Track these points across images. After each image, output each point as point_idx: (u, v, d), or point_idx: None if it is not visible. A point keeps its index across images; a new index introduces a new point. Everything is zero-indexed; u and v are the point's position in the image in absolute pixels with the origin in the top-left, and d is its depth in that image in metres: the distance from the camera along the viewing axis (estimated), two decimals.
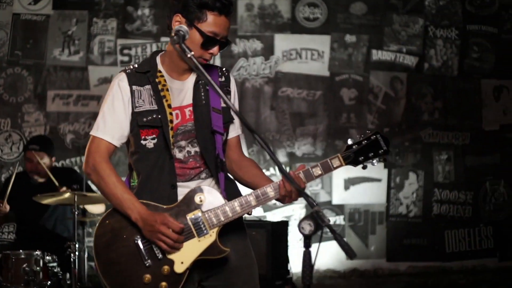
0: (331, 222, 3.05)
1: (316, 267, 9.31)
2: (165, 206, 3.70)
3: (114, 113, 3.77)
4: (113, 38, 8.60)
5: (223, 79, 3.96)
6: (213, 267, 3.79)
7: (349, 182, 8.68)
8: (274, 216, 8.49)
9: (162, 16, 8.61)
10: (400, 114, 8.85)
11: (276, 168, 8.31)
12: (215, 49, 3.70)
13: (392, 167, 8.76)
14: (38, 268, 6.27)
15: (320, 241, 3.20)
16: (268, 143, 3.49)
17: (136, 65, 3.87)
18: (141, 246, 3.68)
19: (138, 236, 3.69)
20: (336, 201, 8.73)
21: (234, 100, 3.99)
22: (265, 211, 8.49)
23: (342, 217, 8.71)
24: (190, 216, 3.66)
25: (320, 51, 8.74)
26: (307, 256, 3.14)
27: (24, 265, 6.26)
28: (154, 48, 8.51)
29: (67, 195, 6.71)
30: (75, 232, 6.70)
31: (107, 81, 8.44)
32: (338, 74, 8.78)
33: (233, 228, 3.80)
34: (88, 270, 7.13)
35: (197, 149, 3.80)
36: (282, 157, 8.67)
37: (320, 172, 3.71)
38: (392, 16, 8.85)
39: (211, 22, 3.65)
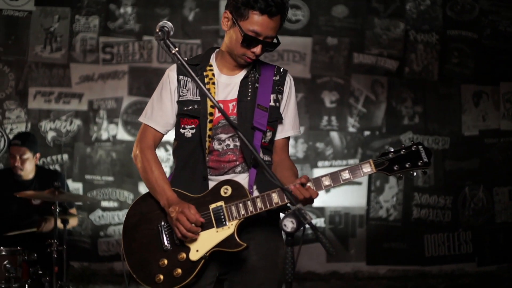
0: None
1: (296, 269, 9.35)
2: (192, 195, 3.82)
3: (161, 101, 3.95)
4: (95, 35, 8.73)
5: (277, 78, 4.00)
6: (232, 262, 3.87)
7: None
8: None
9: (144, 14, 8.83)
10: (380, 118, 8.97)
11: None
12: (257, 49, 3.77)
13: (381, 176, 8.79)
14: (19, 265, 6.23)
15: (302, 238, 3.19)
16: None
17: (189, 58, 3.99)
18: (163, 230, 3.84)
19: (163, 221, 3.84)
20: (316, 203, 8.70)
21: (287, 101, 4.03)
22: None
23: (322, 219, 8.78)
24: (212, 206, 3.77)
25: (302, 53, 8.87)
26: (289, 254, 3.13)
27: (5, 262, 6.23)
28: (136, 47, 8.73)
29: (47, 192, 6.69)
30: (55, 229, 6.66)
31: (88, 78, 8.58)
32: (320, 77, 8.92)
33: (263, 229, 3.87)
34: (68, 269, 7.07)
35: (237, 143, 3.88)
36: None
37: (348, 177, 3.71)
38: (373, 19, 9.04)
39: (252, 21, 3.71)
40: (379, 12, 9.07)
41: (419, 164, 3.64)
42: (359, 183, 8.91)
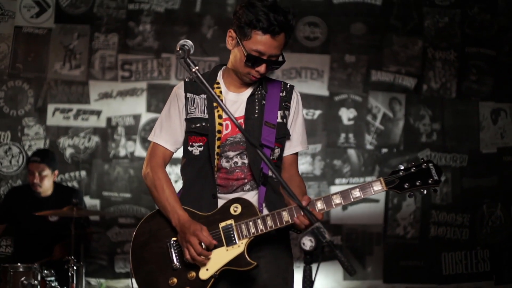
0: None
1: (314, 287, 9.28)
2: (202, 214, 3.88)
3: (170, 119, 4.04)
4: (114, 53, 8.81)
5: (284, 94, 4.07)
6: (242, 281, 3.90)
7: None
8: None
9: (163, 32, 8.94)
10: (398, 135, 8.96)
11: None
12: (261, 68, 3.84)
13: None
14: (36, 281, 6.38)
15: (320, 257, 3.20)
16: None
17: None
18: (172, 249, 3.88)
19: (172, 239, 3.89)
20: (334, 221, 8.82)
21: (294, 116, 4.08)
22: None
23: (339, 237, 8.76)
24: (222, 225, 3.83)
25: (320, 71, 8.91)
26: (307, 272, 3.16)
27: (22, 279, 6.36)
28: (155, 64, 8.80)
29: (65, 209, 6.76)
30: (73, 247, 6.73)
31: (107, 96, 8.66)
32: (337, 94, 8.96)
33: (272, 247, 3.93)
34: (85, 286, 7.12)
35: (245, 161, 3.94)
36: None
37: (358, 195, 3.74)
38: (391, 37, 9.07)
39: (255, 41, 3.80)
40: (397, 30, 9.12)
41: (430, 182, 3.69)
42: (376, 201, 8.94)
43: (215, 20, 8.93)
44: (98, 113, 8.76)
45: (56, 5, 8.82)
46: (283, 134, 4.00)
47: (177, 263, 3.82)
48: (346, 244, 8.92)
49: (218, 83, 4.01)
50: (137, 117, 8.76)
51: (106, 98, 8.77)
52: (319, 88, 9.01)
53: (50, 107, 8.76)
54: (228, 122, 3.93)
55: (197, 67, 3.52)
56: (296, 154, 4.15)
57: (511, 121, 9.25)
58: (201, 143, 3.94)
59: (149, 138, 4.08)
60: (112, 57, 8.84)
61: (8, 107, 8.70)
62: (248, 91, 4.00)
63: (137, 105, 8.79)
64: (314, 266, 3.16)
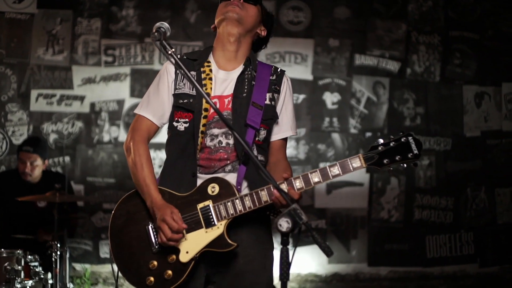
0: (313, 226, 3.08)
1: (297, 271, 9.43)
2: (179, 194, 3.82)
3: (158, 92, 4.00)
4: (97, 38, 8.88)
5: (274, 77, 4.05)
6: (220, 264, 3.87)
7: (331, 186, 8.83)
8: None
9: (146, 16, 9.01)
10: (382, 119, 9.05)
11: None
12: None
13: (374, 172, 8.80)
14: (19, 267, 6.32)
15: (298, 239, 3.19)
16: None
17: (188, 52, 4.17)
18: (151, 232, 3.82)
19: (150, 222, 3.83)
20: (318, 205, 8.88)
21: (284, 101, 4.07)
22: None
23: (324, 221, 8.81)
24: (200, 206, 3.78)
25: (304, 55, 8.94)
26: (284, 253, 3.14)
27: (6, 264, 6.33)
28: (138, 49, 8.92)
29: (48, 194, 6.74)
30: (56, 231, 6.71)
31: (90, 81, 8.72)
32: (321, 78, 9.02)
33: (251, 232, 3.88)
34: (69, 271, 7.12)
35: (230, 141, 3.89)
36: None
37: (337, 172, 3.72)
38: (375, 21, 9.14)
39: None
40: (381, 14, 9.18)
41: (409, 156, 3.62)
42: (360, 184, 9.00)
43: (198, 5, 8.97)
44: (81, 98, 8.79)
45: None
46: (270, 116, 3.96)
47: (156, 246, 3.77)
48: (331, 228, 8.98)
49: (209, 62, 3.99)
50: (120, 102, 8.80)
51: (89, 83, 8.80)
52: (303, 72, 9.07)
53: (33, 93, 8.81)
54: (216, 99, 3.89)
55: (173, 49, 3.51)
56: (285, 139, 4.11)
57: (495, 104, 9.34)
58: (186, 119, 3.89)
59: (135, 111, 4.03)
60: (95, 42, 8.87)
61: None
62: (238, 70, 3.98)
63: (120, 90, 8.85)
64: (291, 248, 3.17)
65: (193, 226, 3.73)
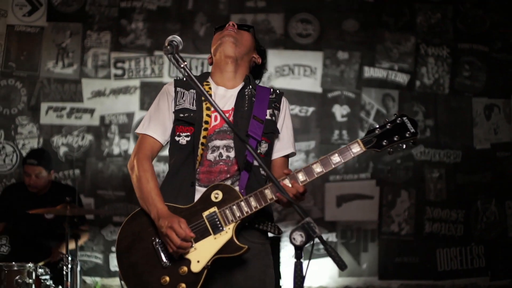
0: (324, 239, 3.07)
1: (308, 284, 9.33)
2: (182, 207, 3.84)
3: (159, 111, 4.08)
4: (106, 51, 8.90)
5: (273, 96, 4.17)
6: (220, 280, 3.86)
7: (342, 199, 8.76)
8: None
9: (155, 29, 9.10)
10: None
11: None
12: (229, 23, 4.28)
13: (384, 185, 8.95)
14: (30, 280, 6.37)
15: (311, 252, 3.25)
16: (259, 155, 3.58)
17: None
18: (159, 247, 3.82)
19: (157, 238, 3.82)
20: (328, 218, 8.85)
21: (284, 119, 4.15)
22: None
23: (334, 234, 8.75)
24: (205, 213, 3.80)
25: (313, 67, 8.94)
26: (298, 267, 3.15)
27: (17, 277, 6.36)
28: (148, 62, 8.97)
29: (59, 207, 6.75)
30: (67, 245, 6.72)
31: (100, 94, 8.74)
32: (331, 91, 8.99)
33: (251, 250, 3.81)
34: (80, 284, 7.11)
35: (231, 154, 3.94)
36: None
37: (338, 160, 3.74)
38: (384, 33, 9.15)
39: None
40: (390, 26, 9.18)
41: (407, 135, 3.67)
42: (370, 197, 8.94)
43: (207, 17, 8.99)
44: (91, 111, 8.81)
45: (48, 4, 8.97)
46: (271, 130, 4.03)
47: (166, 261, 3.76)
48: (341, 241, 8.93)
49: (208, 82, 4.12)
50: (130, 115, 8.81)
51: (99, 96, 8.83)
52: (312, 85, 9.07)
53: (43, 106, 8.84)
54: (216, 113, 3.96)
55: (185, 63, 3.56)
56: (287, 157, 4.18)
57: (504, 116, 9.31)
58: (188, 133, 3.96)
59: (137, 131, 4.10)
60: (105, 55, 8.90)
61: (1, 106, 8.80)
62: (238, 88, 4.08)
63: (130, 103, 8.86)
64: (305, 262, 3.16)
65: (201, 234, 3.74)
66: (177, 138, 3.98)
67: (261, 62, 4.33)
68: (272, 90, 4.18)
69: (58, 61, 8.86)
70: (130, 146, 8.81)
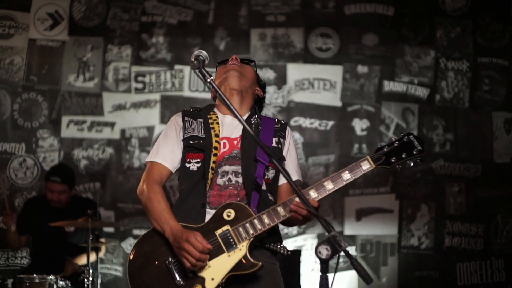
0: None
1: None
2: (195, 226, 3.86)
3: (167, 140, 4.15)
4: (127, 65, 8.95)
5: (278, 125, 4.28)
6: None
7: (361, 213, 8.74)
8: (286, 245, 8.40)
9: (176, 43, 9.16)
10: None
11: None
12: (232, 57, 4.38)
13: (404, 198, 8.91)
14: None
15: (337, 266, 3.31)
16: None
17: (193, 107, 4.34)
18: (172, 266, 3.82)
19: (170, 257, 3.83)
20: (348, 231, 8.84)
21: (289, 147, 4.24)
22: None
23: (354, 248, 8.71)
24: (218, 232, 3.82)
25: (333, 81, 8.95)
26: (324, 281, 3.17)
27: None
28: (168, 76, 9.05)
29: (80, 220, 6.78)
30: (88, 257, 6.74)
31: (121, 107, 8.80)
32: (350, 105, 9.00)
33: (264, 268, 3.83)
34: None
35: (239, 179, 3.99)
36: None
37: (349, 177, 3.84)
38: (403, 47, 9.15)
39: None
40: (410, 40, 9.19)
41: (414, 152, 3.79)
42: (390, 211, 8.90)
43: (227, 32, 9.03)
44: (112, 124, 8.85)
45: (70, 18, 9.03)
46: (278, 157, 4.08)
47: (180, 279, 3.76)
48: (361, 255, 8.93)
49: (214, 112, 4.23)
50: (150, 129, 8.85)
51: (119, 109, 8.88)
52: (332, 99, 9.07)
53: (64, 119, 8.91)
54: (225, 141, 4.06)
55: (212, 77, 3.63)
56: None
57: None
58: (198, 159, 4.01)
59: (146, 160, 4.18)
60: (126, 69, 8.95)
61: (23, 119, 8.83)
62: (244, 117, 4.12)
63: (150, 117, 8.90)
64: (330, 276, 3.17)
65: (215, 252, 3.74)
66: (187, 165, 4.02)
67: (262, 95, 4.44)
68: (276, 120, 4.27)
69: (79, 75, 8.92)
70: None
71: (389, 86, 9.18)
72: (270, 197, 4.02)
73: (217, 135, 4.03)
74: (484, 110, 9.27)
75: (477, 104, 9.26)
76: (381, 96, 9.17)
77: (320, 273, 3.19)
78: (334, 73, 9.13)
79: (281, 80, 9.07)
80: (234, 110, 3.62)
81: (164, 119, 8.87)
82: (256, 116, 4.19)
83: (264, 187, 3.98)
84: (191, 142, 4.02)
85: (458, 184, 9.14)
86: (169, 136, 4.11)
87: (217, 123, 4.10)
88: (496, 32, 9.33)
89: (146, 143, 8.89)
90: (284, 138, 4.19)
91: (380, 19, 9.27)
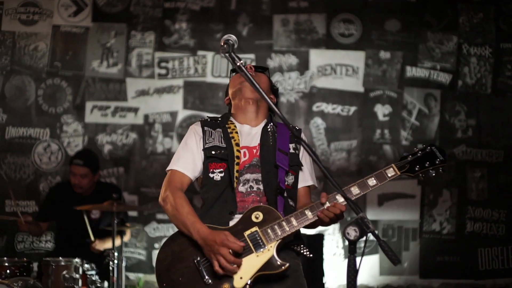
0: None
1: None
2: (223, 227, 3.93)
3: (187, 149, 4.18)
4: (150, 51, 9.00)
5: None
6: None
7: (383, 198, 8.75)
8: (309, 230, 8.44)
9: (199, 29, 9.20)
10: (434, 131, 9.00)
11: None
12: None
13: (425, 184, 8.83)
14: (77, 275, 6.47)
15: (364, 247, 3.31)
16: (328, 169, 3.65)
17: (210, 117, 4.38)
18: (201, 265, 3.88)
19: (198, 256, 3.90)
20: (370, 216, 8.84)
21: (303, 152, 4.28)
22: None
23: (376, 232, 8.62)
24: (247, 233, 3.88)
25: (355, 67, 8.96)
26: (351, 262, 3.25)
27: (64, 272, 6.46)
28: (191, 62, 9.13)
29: (105, 204, 6.82)
30: (113, 241, 6.78)
31: (144, 93, 8.90)
32: (373, 90, 8.99)
33: (287, 273, 3.91)
34: (125, 280, 7.18)
35: (260, 186, 4.06)
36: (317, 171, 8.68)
37: (374, 183, 3.97)
38: (426, 33, 9.14)
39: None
40: (432, 26, 9.16)
41: (437, 162, 3.95)
42: (412, 196, 8.91)
43: (250, 18, 9.06)
44: (135, 110, 8.91)
45: (93, 4, 9.13)
46: (296, 163, 4.18)
47: (208, 278, 3.82)
48: (383, 239, 8.84)
49: (232, 121, 4.28)
50: (174, 114, 8.88)
51: (143, 95, 8.93)
52: (354, 85, 9.08)
53: (88, 105, 8.99)
54: (245, 150, 4.13)
55: (241, 61, 3.70)
56: (309, 187, 4.31)
57: None
58: (221, 169, 4.06)
59: (167, 169, 4.20)
60: (149, 55, 9.00)
61: (47, 104, 8.92)
62: (260, 126, 4.26)
63: (173, 102, 8.97)
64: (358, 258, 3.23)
65: (244, 252, 3.80)
66: (211, 175, 4.06)
67: (276, 102, 4.50)
68: (291, 126, 4.22)
69: (102, 61, 8.99)
70: (173, 144, 8.91)
71: (412, 71, 9.17)
72: (291, 203, 4.10)
73: (237, 144, 4.10)
74: (507, 95, 9.24)
75: (499, 90, 9.24)
76: (403, 81, 9.18)
77: (348, 254, 3.23)
78: (357, 58, 9.14)
79: (303, 66, 9.09)
80: (261, 92, 3.63)
81: (187, 105, 8.95)
82: (272, 123, 4.26)
83: (285, 193, 4.06)
84: (213, 152, 4.08)
85: (480, 169, 9.14)
86: (189, 145, 4.15)
87: (236, 132, 4.16)
88: None
89: (169, 128, 8.94)
90: (300, 143, 4.17)
91: (402, 5, 9.27)
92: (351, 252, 3.21)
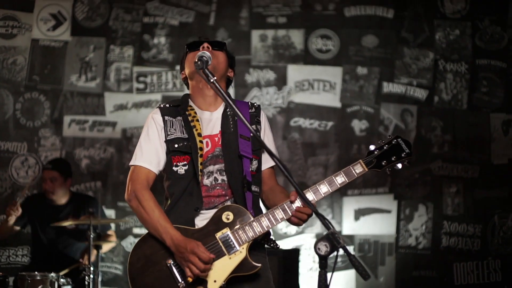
0: (342, 252, 3.14)
1: None
2: (193, 228, 3.94)
3: (150, 141, 4.15)
4: (129, 65, 9.03)
5: (253, 110, 4.32)
6: None
7: (359, 213, 8.78)
8: (285, 244, 8.49)
9: (177, 44, 9.20)
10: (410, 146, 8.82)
11: None
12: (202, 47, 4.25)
13: (401, 199, 8.97)
14: None
15: (335, 263, 3.34)
16: (286, 167, 3.55)
17: (169, 102, 4.35)
18: (174, 268, 3.88)
19: (171, 259, 3.89)
20: (346, 231, 8.86)
21: (264, 130, 4.30)
22: (276, 239, 8.48)
23: (352, 247, 8.80)
24: (219, 235, 3.90)
25: (332, 83, 8.99)
26: (322, 277, 3.23)
27: (40, 287, 6.39)
28: (169, 76, 9.10)
29: (82, 218, 6.82)
30: (89, 255, 6.77)
31: (122, 107, 8.90)
32: (350, 106, 9.05)
33: (254, 274, 3.94)
34: None
35: (224, 177, 4.05)
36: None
37: (343, 180, 3.98)
38: (403, 49, 9.20)
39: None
40: (409, 42, 9.24)
41: (403, 156, 3.97)
42: (388, 211, 8.94)
43: (228, 33, 9.11)
44: (113, 124, 8.93)
45: (72, 18, 9.12)
46: (258, 146, 4.15)
47: (182, 281, 3.83)
48: (359, 254, 8.98)
49: (191, 106, 4.21)
50: None
51: (121, 109, 8.97)
52: (332, 100, 9.13)
53: (66, 119, 9.00)
54: (207, 139, 4.07)
55: (215, 78, 3.64)
56: (273, 167, 4.30)
57: None
58: (185, 162, 4.03)
59: (131, 163, 4.18)
60: (127, 69, 9.02)
61: (25, 118, 8.92)
62: (220, 110, 4.20)
63: None
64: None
65: (216, 255, 3.83)
66: (175, 168, 4.03)
67: (233, 75, 4.48)
68: (250, 104, 4.31)
69: (81, 75, 9.00)
70: None
71: (388, 87, 9.22)
72: (256, 188, 4.09)
73: (199, 134, 4.05)
74: (482, 111, 9.29)
75: (475, 105, 9.29)
76: (380, 97, 9.22)
77: (319, 269, 3.23)
78: (334, 74, 9.18)
79: (281, 81, 9.13)
80: (234, 107, 3.65)
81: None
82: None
83: (252, 186, 4.06)
84: (176, 145, 4.03)
85: (456, 185, 9.17)
86: (151, 137, 4.12)
87: (197, 120, 4.09)
88: (494, 34, 9.36)
89: None
90: (259, 123, 4.24)
91: (379, 21, 9.32)
92: (322, 267, 3.21)
